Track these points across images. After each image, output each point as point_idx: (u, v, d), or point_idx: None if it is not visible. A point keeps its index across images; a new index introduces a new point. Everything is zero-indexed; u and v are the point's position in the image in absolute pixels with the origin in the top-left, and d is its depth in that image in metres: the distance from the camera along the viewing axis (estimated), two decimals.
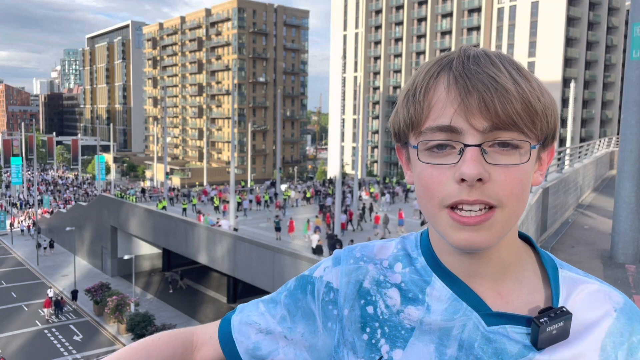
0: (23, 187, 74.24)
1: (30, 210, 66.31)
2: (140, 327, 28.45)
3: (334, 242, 25.45)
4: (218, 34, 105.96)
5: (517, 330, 0.81)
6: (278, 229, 30.54)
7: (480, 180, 0.74)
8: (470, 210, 0.76)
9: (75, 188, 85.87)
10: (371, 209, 37.28)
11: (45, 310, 33.70)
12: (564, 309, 0.81)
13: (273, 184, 54.12)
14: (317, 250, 25.09)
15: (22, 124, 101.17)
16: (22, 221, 60.92)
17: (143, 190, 55.63)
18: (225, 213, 37.90)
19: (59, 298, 35.25)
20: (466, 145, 0.75)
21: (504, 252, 0.84)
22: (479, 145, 0.75)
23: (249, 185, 57.07)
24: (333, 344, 0.92)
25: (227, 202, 40.68)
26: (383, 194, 42.95)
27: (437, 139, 0.77)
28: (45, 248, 48.52)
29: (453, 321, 0.83)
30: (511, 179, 0.76)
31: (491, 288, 0.85)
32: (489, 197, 0.75)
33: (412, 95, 0.81)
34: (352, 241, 25.85)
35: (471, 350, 0.81)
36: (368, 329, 0.88)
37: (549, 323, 0.78)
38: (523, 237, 0.92)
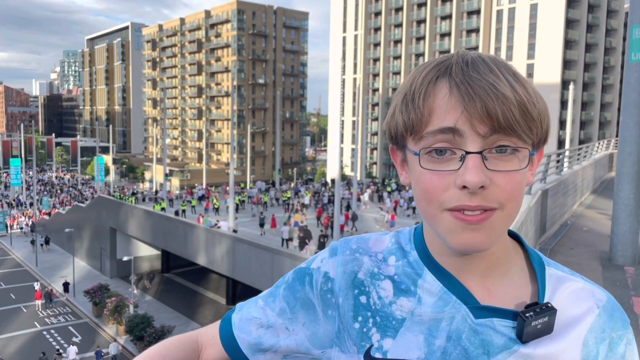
0: (22, 188, 74.20)
1: (27, 210, 66.29)
2: (139, 328, 28.40)
3: (300, 233, 27.94)
4: (217, 35, 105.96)
5: (504, 323, 0.84)
6: (262, 225, 32.82)
7: (482, 187, 0.76)
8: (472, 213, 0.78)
9: (69, 188, 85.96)
10: (348, 207, 39.01)
11: (37, 302, 35.74)
12: (549, 305, 0.84)
13: (273, 185, 54.45)
14: (286, 241, 28.11)
15: (22, 125, 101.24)
16: (20, 222, 60.85)
17: (133, 193, 55.84)
18: (208, 210, 39.89)
19: (49, 290, 37.22)
20: (467, 153, 0.77)
21: (494, 249, 0.87)
22: (480, 153, 0.77)
23: (248, 187, 57.02)
24: (334, 330, 0.94)
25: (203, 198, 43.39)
26: (362, 193, 45.75)
27: (438, 142, 0.79)
28: (41, 245, 49.27)
29: (442, 313, 0.86)
30: (511, 184, 0.78)
31: (480, 283, 0.88)
32: (490, 202, 0.77)
33: (411, 100, 0.82)
34: (323, 236, 27.79)
35: (459, 342, 0.84)
36: (360, 318, 0.91)
37: (534, 317, 0.81)
38: (512, 235, 0.95)
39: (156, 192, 54.93)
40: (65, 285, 38.09)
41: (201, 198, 45.39)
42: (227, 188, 50.32)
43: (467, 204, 0.77)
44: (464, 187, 0.76)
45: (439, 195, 0.79)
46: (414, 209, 40.23)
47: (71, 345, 27.86)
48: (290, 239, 28.62)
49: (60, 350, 28.55)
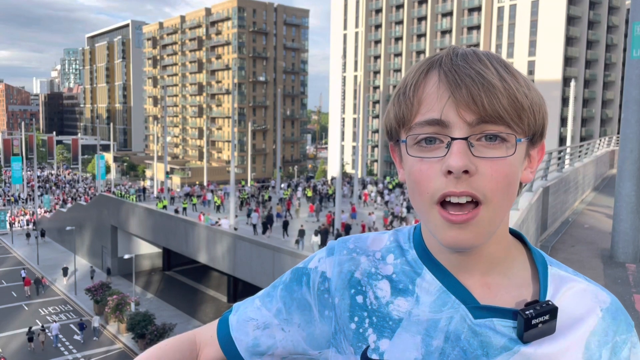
0: (23, 186, 74.34)
1: (26, 208, 66.38)
2: (141, 326, 28.44)
3: (267, 219, 31.59)
4: (218, 33, 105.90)
5: (504, 323, 0.82)
6: (249, 215, 34.70)
7: (466, 172, 0.76)
8: (458, 204, 0.77)
9: (65, 185, 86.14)
10: (321, 201, 40.35)
11: (26, 288, 37.68)
12: (550, 303, 0.82)
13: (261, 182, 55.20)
14: (255, 227, 31.74)
15: (22, 123, 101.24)
16: (21, 220, 60.92)
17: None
18: (205, 203, 42.24)
19: (39, 277, 39.37)
20: (453, 139, 0.76)
21: (493, 248, 0.86)
22: (465, 139, 0.76)
23: (248, 185, 57.06)
24: (331, 331, 0.94)
25: (200, 196, 45.18)
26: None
27: (425, 132, 0.79)
28: (37, 237, 49.83)
29: (441, 313, 0.84)
30: (497, 173, 0.77)
31: (480, 282, 0.86)
32: (475, 190, 0.76)
33: (403, 92, 0.83)
34: (285, 222, 31.18)
35: (457, 342, 0.82)
36: (356, 318, 0.90)
37: (534, 315, 0.80)
38: (515, 233, 0.93)
39: (144, 190, 55.17)
40: (65, 270, 39.64)
41: (186, 196, 45.61)
42: (217, 186, 51.21)
43: (453, 190, 0.76)
44: (450, 173, 0.76)
45: (428, 186, 0.79)
46: (387, 202, 40.20)
47: (54, 323, 30.19)
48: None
49: (45, 327, 30.13)
